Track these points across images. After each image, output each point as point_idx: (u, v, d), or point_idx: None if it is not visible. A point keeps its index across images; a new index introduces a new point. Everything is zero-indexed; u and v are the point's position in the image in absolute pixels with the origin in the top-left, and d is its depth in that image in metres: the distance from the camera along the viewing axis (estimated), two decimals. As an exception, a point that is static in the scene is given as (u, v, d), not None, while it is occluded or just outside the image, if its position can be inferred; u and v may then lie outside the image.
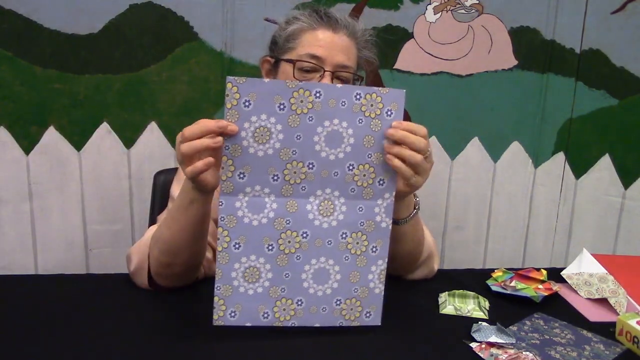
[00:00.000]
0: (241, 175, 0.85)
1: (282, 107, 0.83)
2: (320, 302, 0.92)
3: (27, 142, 1.73)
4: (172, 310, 0.98)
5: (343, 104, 0.85)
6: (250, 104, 0.83)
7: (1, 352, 0.84)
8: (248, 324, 0.90)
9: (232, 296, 0.88)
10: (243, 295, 0.89)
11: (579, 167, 1.97)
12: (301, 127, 0.85)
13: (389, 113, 0.87)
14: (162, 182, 1.48)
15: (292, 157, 0.86)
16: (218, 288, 0.88)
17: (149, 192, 1.58)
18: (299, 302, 0.91)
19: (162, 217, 1.16)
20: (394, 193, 0.91)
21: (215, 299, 0.88)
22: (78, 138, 1.75)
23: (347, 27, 1.14)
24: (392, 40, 1.80)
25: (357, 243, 0.91)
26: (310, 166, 0.87)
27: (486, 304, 1.03)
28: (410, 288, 1.11)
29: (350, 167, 0.88)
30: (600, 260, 1.20)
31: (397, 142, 0.88)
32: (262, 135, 0.84)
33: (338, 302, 0.92)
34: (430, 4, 1.80)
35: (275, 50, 1.18)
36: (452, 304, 1.02)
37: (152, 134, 1.78)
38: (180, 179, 1.21)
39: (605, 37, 1.85)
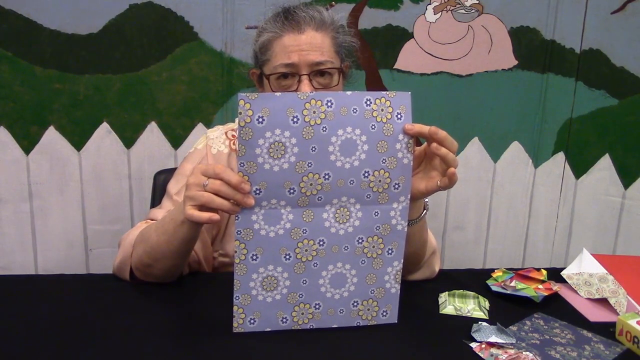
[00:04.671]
0: (257, 192, 0.84)
1: (295, 119, 0.82)
2: (337, 305, 0.92)
3: (27, 142, 1.73)
4: (173, 310, 0.98)
5: (354, 111, 0.85)
6: (263, 120, 0.81)
7: (1, 352, 0.84)
8: (268, 329, 0.91)
9: (251, 305, 0.89)
10: (262, 303, 0.89)
11: (579, 167, 1.97)
12: (315, 138, 0.83)
13: (399, 116, 0.87)
14: (162, 182, 1.48)
15: (308, 170, 0.85)
16: (237, 298, 0.88)
17: (149, 192, 1.58)
18: (317, 306, 0.92)
19: (155, 213, 1.16)
20: (409, 196, 0.91)
21: (235, 307, 0.89)
22: (78, 138, 1.75)
23: (313, 21, 1.14)
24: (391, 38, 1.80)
25: (373, 247, 0.91)
26: (326, 177, 0.86)
27: (486, 304, 1.03)
28: (410, 288, 1.10)
29: (366, 174, 0.88)
30: (600, 260, 1.20)
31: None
32: (277, 150, 0.82)
33: (355, 304, 0.93)
34: (430, 4, 1.80)
35: (256, 62, 1.20)
36: (452, 304, 1.02)
37: (152, 134, 1.78)
38: (180, 177, 1.21)
39: (605, 37, 1.85)
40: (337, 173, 0.86)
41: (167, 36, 1.72)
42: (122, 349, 0.86)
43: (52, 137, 1.74)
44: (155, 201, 1.48)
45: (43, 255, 1.81)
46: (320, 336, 0.91)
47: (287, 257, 0.88)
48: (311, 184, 0.86)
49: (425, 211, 1.04)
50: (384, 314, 0.95)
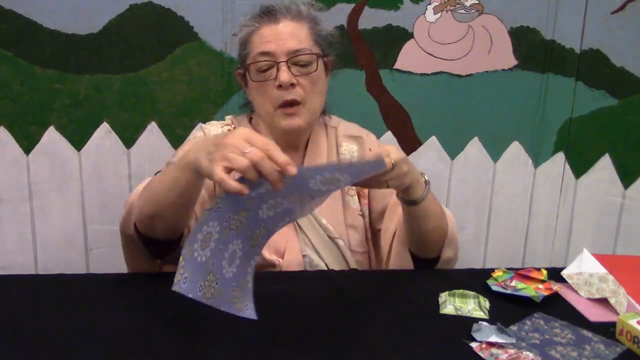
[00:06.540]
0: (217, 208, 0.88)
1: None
2: (226, 285, 0.92)
3: (27, 142, 1.73)
4: (173, 310, 0.98)
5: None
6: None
7: (1, 352, 0.84)
8: (190, 295, 0.87)
9: (189, 259, 0.86)
10: (194, 261, 0.87)
11: (579, 167, 1.97)
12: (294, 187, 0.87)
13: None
14: (162, 182, 1.47)
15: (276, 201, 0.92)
16: (185, 247, 0.86)
17: (149, 192, 1.58)
18: (217, 282, 0.91)
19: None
20: None
21: (180, 258, 0.86)
22: (78, 138, 1.75)
23: (289, 12, 1.17)
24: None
25: (259, 237, 0.96)
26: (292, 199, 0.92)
27: (486, 303, 1.03)
28: (411, 288, 1.11)
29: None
30: (600, 260, 1.20)
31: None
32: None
33: (233, 288, 0.93)
34: (430, 4, 1.80)
35: (240, 61, 1.23)
36: (452, 304, 1.02)
37: (152, 134, 1.78)
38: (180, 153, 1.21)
39: (605, 37, 1.85)
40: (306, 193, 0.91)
41: (167, 36, 1.71)
42: (122, 349, 0.86)
43: (52, 137, 1.74)
44: (155, 201, 1.47)
45: (43, 255, 1.81)
46: (320, 335, 0.92)
47: (228, 219, 0.89)
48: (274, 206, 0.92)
49: (427, 187, 1.07)
50: (247, 307, 0.93)
